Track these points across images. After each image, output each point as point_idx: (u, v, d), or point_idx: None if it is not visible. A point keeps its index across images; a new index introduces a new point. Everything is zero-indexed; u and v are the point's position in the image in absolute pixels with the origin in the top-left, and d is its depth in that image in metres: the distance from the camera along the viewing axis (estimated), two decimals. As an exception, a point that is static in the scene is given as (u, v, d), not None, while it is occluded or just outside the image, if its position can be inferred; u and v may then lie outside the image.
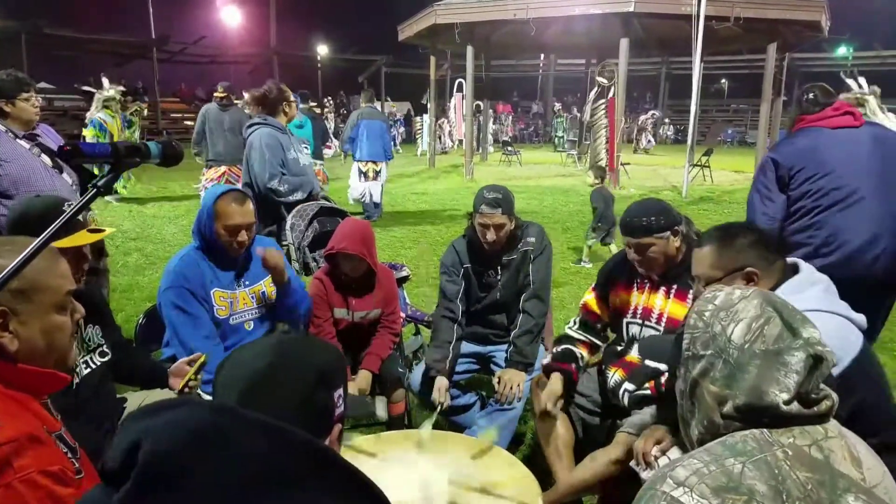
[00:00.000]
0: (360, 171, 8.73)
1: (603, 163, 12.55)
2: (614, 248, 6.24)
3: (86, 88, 9.65)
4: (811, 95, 2.92)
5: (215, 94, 7.70)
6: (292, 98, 4.02)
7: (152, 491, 0.64)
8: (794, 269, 1.79)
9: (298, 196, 3.82)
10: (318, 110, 10.61)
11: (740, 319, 1.13)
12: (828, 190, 2.77)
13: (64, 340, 1.30)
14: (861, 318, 1.67)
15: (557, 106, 22.37)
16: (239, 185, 7.56)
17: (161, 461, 0.65)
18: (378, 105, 10.44)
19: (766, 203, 2.88)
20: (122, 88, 9.87)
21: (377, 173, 8.70)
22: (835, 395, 1.11)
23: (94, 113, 9.52)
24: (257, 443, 0.69)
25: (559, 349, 2.57)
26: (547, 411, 2.39)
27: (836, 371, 1.49)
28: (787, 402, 1.06)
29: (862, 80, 5.49)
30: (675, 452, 1.97)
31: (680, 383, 1.22)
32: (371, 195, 8.86)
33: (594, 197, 6.56)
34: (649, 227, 2.26)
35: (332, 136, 11.21)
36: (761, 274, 1.75)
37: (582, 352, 2.56)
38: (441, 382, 2.73)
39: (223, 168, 7.52)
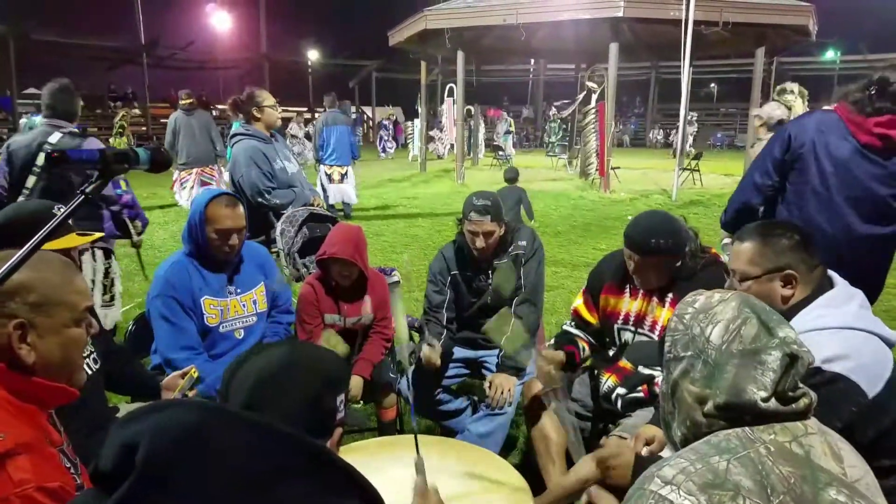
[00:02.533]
0: (327, 175, 8.91)
1: (593, 167, 12.62)
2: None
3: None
4: (877, 88, 2.44)
5: (180, 102, 8.23)
6: (266, 103, 3.80)
7: (148, 492, 0.65)
8: (830, 281, 1.73)
9: (296, 206, 3.74)
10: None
11: (718, 321, 1.15)
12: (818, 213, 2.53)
13: (78, 355, 1.32)
14: (893, 335, 1.62)
15: (553, 111, 22.22)
16: (213, 186, 8.07)
17: (158, 462, 0.66)
18: (352, 108, 10.48)
19: (763, 177, 2.64)
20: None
21: (343, 176, 8.89)
22: (813, 394, 1.13)
23: None
24: (250, 441, 0.70)
25: (556, 337, 2.57)
26: (543, 375, 2.36)
27: (870, 394, 1.46)
28: (765, 400, 1.08)
29: (795, 85, 5.64)
30: (665, 454, 1.98)
31: (662, 385, 1.24)
32: (344, 197, 9.04)
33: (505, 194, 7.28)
34: (657, 249, 2.20)
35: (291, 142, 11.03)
36: (800, 278, 1.69)
37: (582, 344, 2.56)
38: (434, 344, 2.73)
39: (195, 170, 8.10)
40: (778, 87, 5.51)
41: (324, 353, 1.19)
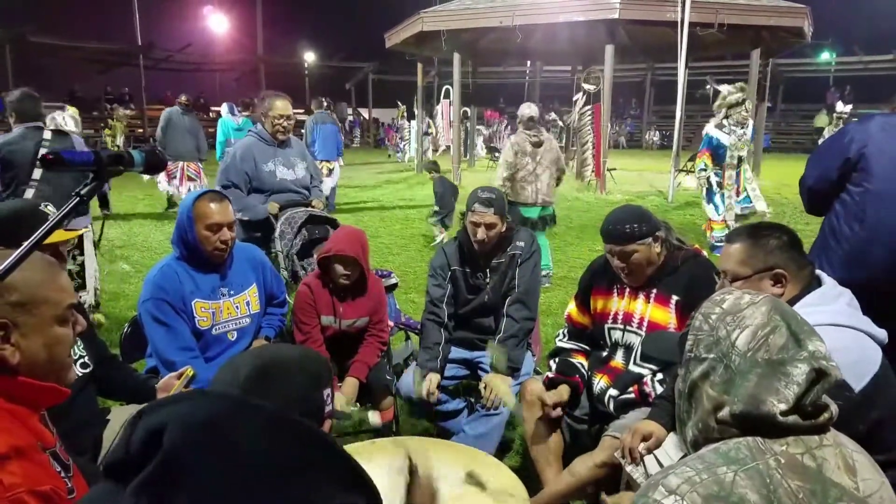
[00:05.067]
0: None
1: (589, 169, 12.65)
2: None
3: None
4: None
5: (179, 101, 9.30)
6: (271, 113, 3.89)
7: (172, 475, 0.66)
8: (818, 280, 1.75)
9: (239, 216, 3.69)
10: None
11: (746, 326, 1.11)
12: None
13: (65, 353, 1.29)
14: (882, 334, 1.64)
15: (553, 116, 21.54)
16: (199, 181, 8.97)
17: (183, 446, 0.67)
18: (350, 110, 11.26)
19: (818, 182, 2.68)
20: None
21: (331, 171, 9.62)
22: (834, 407, 1.10)
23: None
24: (272, 432, 0.72)
25: (557, 362, 2.54)
26: (545, 409, 2.38)
27: (856, 388, 1.47)
28: (785, 413, 1.04)
29: (724, 87, 6.75)
30: (661, 452, 1.98)
31: (679, 383, 1.21)
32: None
33: (436, 184, 7.67)
34: (632, 234, 2.25)
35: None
36: (790, 277, 1.72)
37: (580, 360, 2.53)
38: (432, 377, 2.74)
39: (180, 163, 8.97)
40: (739, 84, 6.92)
41: (304, 350, 1.22)
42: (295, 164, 4.00)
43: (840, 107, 17.47)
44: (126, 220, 9.34)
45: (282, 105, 3.94)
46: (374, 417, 2.85)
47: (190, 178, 9.06)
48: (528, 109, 5.88)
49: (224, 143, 9.72)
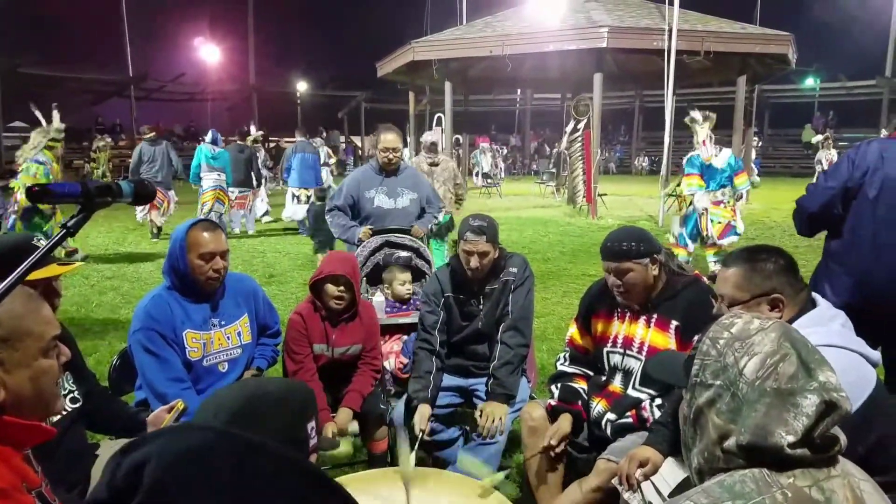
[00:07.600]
0: (294, 196, 10.20)
1: (581, 195, 12.74)
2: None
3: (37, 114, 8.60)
4: None
5: (144, 136, 10.20)
6: (379, 146, 4.24)
7: None
8: (812, 302, 1.75)
9: (337, 234, 4.26)
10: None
11: (755, 353, 1.07)
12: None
13: (51, 385, 1.26)
14: (876, 355, 1.63)
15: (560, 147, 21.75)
16: (162, 208, 9.90)
17: (166, 481, 0.66)
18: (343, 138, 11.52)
19: (822, 209, 2.72)
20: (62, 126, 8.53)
21: (308, 198, 9.90)
22: (843, 439, 1.07)
23: (36, 152, 7.90)
24: (258, 465, 0.70)
25: (559, 387, 2.49)
26: (549, 448, 2.34)
27: (852, 409, 1.48)
28: (793, 446, 1.01)
29: (696, 113, 7.13)
30: (658, 478, 1.95)
31: (684, 408, 1.16)
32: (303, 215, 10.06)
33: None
34: (628, 252, 2.25)
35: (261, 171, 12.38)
36: (786, 301, 1.71)
37: (582, 385, 2.50)
38: (423, 409, 2.70)
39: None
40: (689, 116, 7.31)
41: (288, 383, 1.22)
42: (399, 195, 4.27)
43: (817, 136, 18.22)
44: (116, 250, 9.29)
45: (388, 138, 4.27)
46: (352, 426, 2.77)
47: (156, 207, 9.80)
48: (430, 137, 7.10)
49: (197, 168, 9.91)
